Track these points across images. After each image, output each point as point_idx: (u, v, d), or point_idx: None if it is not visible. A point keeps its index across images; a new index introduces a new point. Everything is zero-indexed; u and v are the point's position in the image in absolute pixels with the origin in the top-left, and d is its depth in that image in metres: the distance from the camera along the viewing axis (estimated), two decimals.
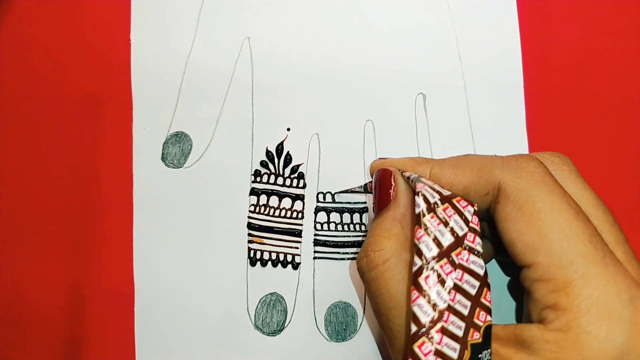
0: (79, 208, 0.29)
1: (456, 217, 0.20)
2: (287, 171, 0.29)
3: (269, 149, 0.29)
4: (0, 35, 0.30)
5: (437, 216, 0.20)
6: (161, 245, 0.29)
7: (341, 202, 0.29)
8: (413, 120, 0.30)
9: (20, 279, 0.29)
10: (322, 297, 0.28)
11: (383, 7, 0.30)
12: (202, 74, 0.30)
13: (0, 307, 0.29)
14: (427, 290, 0.18)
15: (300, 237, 0.29)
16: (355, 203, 0.29)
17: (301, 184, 0.29)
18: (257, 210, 0.29)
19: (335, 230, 0.29)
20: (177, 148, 0.29)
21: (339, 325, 0.28)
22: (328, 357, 0.28)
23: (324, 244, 0.29)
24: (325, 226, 0.29)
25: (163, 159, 0.29)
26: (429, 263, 0.19)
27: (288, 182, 0.29)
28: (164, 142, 0.29)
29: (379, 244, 0.21)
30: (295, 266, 0.29)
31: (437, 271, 0.19)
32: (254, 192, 0.29)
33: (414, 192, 0.21)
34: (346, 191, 0.28)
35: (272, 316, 0.28)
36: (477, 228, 0.20)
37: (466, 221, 0.20)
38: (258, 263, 0.29)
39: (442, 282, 0.19)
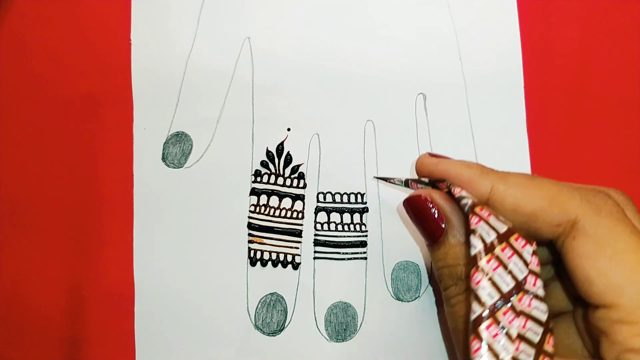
0: (79, 208, 0.29)
1: (515, 258, 0.19)
2: (288, 171, 0.29)
3: (269, 149, 0.29)
4: (0, 35, 0.30)
5: (496, 257, 0.19)
6: (161, 245, 0.29)
7: (342, 202, 0.29)
8: (413, 120, 0.30)
9: (20, 279, 0.29)
10: (322, 297, 0.28)
11: (383, 7, 0.30)
12: (202, 74, 0.30)
13: (0, 307, 0.29)
14: (490, 340, 0.18)
15: (301, 237, 0.29)
16: (355, 203, 0.29)
17: (301, 184, 0.29)
18: (257, 210, 0.29)
19: (335, 230, 0.29)
20: (177, 148, 0.29)
21: (339, 325, 0.28)
22: (328, 357, 0.28)
23: (324, 244, 0.29)
24: (325, 226, 0.29)
25: (163, 159, 0.29)
26: (490, 311, 0.18)
27: (288, 182, 0.29)
28: (165, 142, 0.29)
29: (463, 272, 0.21)
30: (296, 266, 0.29)
31: (498, 320, 0.18)
32: (254, 192, 0.29)
33: (464, 213, 0.21)
34: (386, 179, 0.27)
35: (272, 316, 0.28)
36: (538, 270, 0.19)
37: (525, 263, 0.19)
38: (258, 263, 0.29)
39: (505, 332, 0.18)
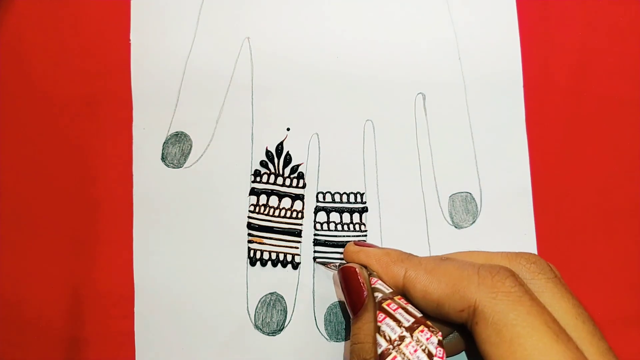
0: (79, 208, 0.29)
1: (420, 353, 0.20)
2: (287, 171, 0.29)
3: (268, 148, 0.29)
4: (0, 35, 0.30)
5: (401, 353, 0.19)
6: (161, 245, 0.29)
7: (341, 202, 0.29)
8: (413, 120, 0.30)
9: (20, 279, 0.29)
10: (322, 296, 0.28)
11: (383, 7, 0.30)
12: (201, 74, 0.30)
13: (0, 307, 0.29)
14: None
15: (300, 237, 0.29)
16: (355, 203, 0.29)
17: (301, 184, 0.29)
18: (257, 210, 0.29)
19: (335, 230, 0.29)
20: (177, 148, 0.29)
21: (339, 325, 0.28)
22: (328, 357, 0.28)
23: (324, 243, 0.29)
24: (325, 226, 0.29)
25: (163, 159, 0.29)
26: None
27: (288, 182, 0.29)
28: (164, 142, 0.29)
29: (369, 351, 0.21)
30: (295, 266, 0.29)
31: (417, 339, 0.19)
32: (253, 192, 0.29)
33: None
34: (324, 264, 0.28)
35: (272, 316, 0.28)
36: None
37: (430, 355, 0.20)
38: (258, 263, 0.29)
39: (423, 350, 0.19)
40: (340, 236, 0.29)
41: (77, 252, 0.29)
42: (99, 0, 0.30)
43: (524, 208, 0.29)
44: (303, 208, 0.29)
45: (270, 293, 0.28)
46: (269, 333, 0.28)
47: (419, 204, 0.29)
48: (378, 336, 0.20)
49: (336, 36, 0.30)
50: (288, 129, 0.30)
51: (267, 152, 0.29)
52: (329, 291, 0.28)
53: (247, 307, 0.28)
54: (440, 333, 0.20)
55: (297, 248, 0.29)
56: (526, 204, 0.29)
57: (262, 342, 0.28)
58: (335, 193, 0.29)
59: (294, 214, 0.29)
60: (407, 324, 0.20)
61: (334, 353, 0.28)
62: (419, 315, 0.21)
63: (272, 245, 0.29)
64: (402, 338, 0.20)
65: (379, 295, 0.22)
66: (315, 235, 0.29)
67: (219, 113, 0.30)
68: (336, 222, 0.29)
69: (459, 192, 0.29)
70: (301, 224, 0.29)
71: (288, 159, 0.29)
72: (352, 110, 0.30)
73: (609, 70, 0.30)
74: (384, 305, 0.21)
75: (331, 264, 0.28)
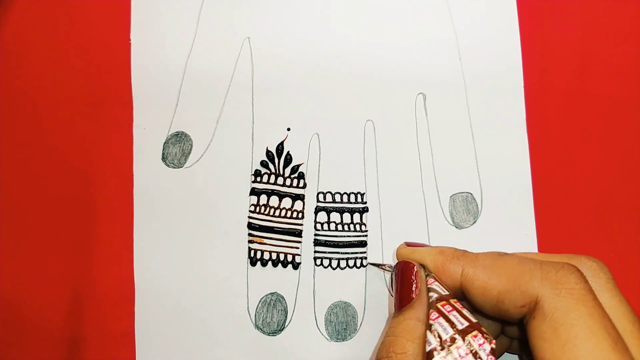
0: (79, 208, 0.29)
1: (469, 357, 0.19)
2: (287, 171, 0.29)
3: (269, 149, 0.29)
4: (0, 35, 0.30)
5: (451, 355, 0.19)
6: (161, 245, 0.29)
7: (341, 202, 0.29)
8: (413, 120, 0.30)
9: (20, 279, 0.29)
10: (322, 297, 0.28)
11: (383, 7, 0.30)
12: (202, 74, 0.30)
13: (0, 307, 0.29)
14: None
15: (301, 237, 0.29)
16: (355, 203, 0.29)
17: (301, 184, 0.29)
18: (257, 210, 0.29)
19: (335, 230, 0.29)
20: (177, 148, 0.29)
21: (339, 325, 0.28)
22: (328, 357, 0.28)
23: (324, 243, 0.29)
24: (325, 226, 0.29)
25: (163, 159, 0.29)
26: None
27: (288, 182, 0.29)
28: (164, 142, 0.29)
29: (402, 346, 0.21)
30: (296, 266, 0.29)
31: (469, 343, 0.19)
32: (254, 192, 0.29)
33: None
34: (377, 265, 0.28)
35: (272, 316, 0.28)
36: None
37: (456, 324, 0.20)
38: (258, 263, 0.29)
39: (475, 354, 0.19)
40: (340, 236, 0.29)
41: (77, 252, 0.29)
42: (99, 0, 0.30)
43: (525, 208, 0.29)
44: (303, 208, 0.29)
45: (270, 293, 0.28)
46: (269, 333, 0.28)
47: (419, 204, 0.29)
48: (429, 334, 0.20)
49: (336, 36, 0.30)
50: (288, 129, 0.30)
51: (268, 152, 0.29)
52: (329, 291, 0.28)
53: (248, 307, 0.28)
54: (494, 341, 0.19)
55: (298, 248, 0.29)
56: (527, 204, 0.29)
57: (263, 342, 0.28)
58: (335, 193, 0.29)
59: (295, 214, 0.29)
60: (460, 327, 0.20)
61: (334, 353, 0.28)
62: (474, 320, 0.20)
63: (272, 245, 0.29)
64: (453, 340, 0.19)
65: (434, 295, 0.21)
66: (315, 235, 0.29)
67: (220, 113, 0.30)
68: (336, 222, 0.29)
69: (459, 192, 0.29)
70: (301, 224, 0.29)
71: (288, 159, 0.29)
72: (353, 110, 0.30)
73: (609, 71, 0.30)
74: (439, 305, 0.21)
75: (385, 265, 0.28)
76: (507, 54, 0.30)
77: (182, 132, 0.29)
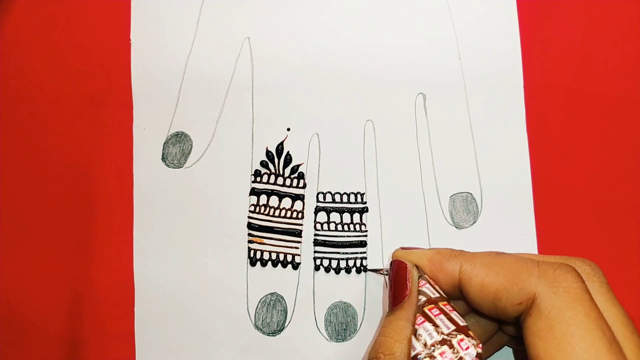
0: (79, 208, 0.29)
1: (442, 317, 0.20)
2: (287, 171, 0.29)
3: (269, 149, 0.29)
4: (0, 35, 0.30)
5: (434, 359, 0.19)
6: (161, 245, 0.29)
7: (341, 202, 0.29)
8: (413, 120, 0.30)
9: (20, 279, 0.29)
10: (322, 297, 0.28)
11: (383, 7, 0.30)
12: (202, 74, 0.30)
13: (0, 307, 0.29)
14: None
15: (300, 237, 0.29)
16: (355, 203, 0.29)
17: (301, 184, 0.29)
18: (257, 210, 0.29)
19: (335, 230, 0.29)
20: (177, 148, 0.29)
21: (339, 325, 0.28)
22: (328, 357, 0.28)
23: (324, 244, 0.29)
24: (325, 226, 0.29)
25: (163, 159, 0.29)
26: None
27: (288, 182, 0.29)
28: (164, 142, 0.29)
29: (390, 347, 0.21)
30: (296, 266, 0.29)
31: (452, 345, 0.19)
32: (254, 192, 0.29)
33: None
34: (375, 270, 0.28)
35: (272, 316, 0.28)
36: None
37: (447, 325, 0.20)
38: (258, 263, 0.29)
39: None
40: (340, 236, 0.29)
41: (77, 253, 0.29)
42: (99, 0, 0.30)
43: (525, 208, 0.29)
44: (303, 208, 0.29)
45: (270, 293, 0.28)
46: (269, 333, 0.28)
47: (419, 204, 0.29)
48: (413, 339, 0.20)
49: (336, 36, 0.30)
50: (288, 129, 0.30)
51: (268, 152, 0.29)
52: (329, 291, 0.28)
53: (247, 307, 0.28)
54: (480, 345, 0.20)
55: (298, 248, 0.29)
56: (527, 204, 0.29)
57: (262, 343, 0.28)
58: (335, 193, 0.29)
59: (294, 214, 0.29)
60: (446, 331, 0.20)
61: (334, 353, 0.28)
62: (462, 323, 0.20)
63: (272, 245, 0.29)
64: (439, 343, 0.19)
65: (422, 298, 0.22)
66: (315, 235, 0.29)
67: (219, 113, 0.30)
68: (336, 222, 0.29)
69: (459, 192, 0.29)
70: (301, 224, 0.29)
71: (288, 159, 0.29)
72: (353, 110, 0.30)
73: (609, 70, 0.30)
74: (426, 309, 0.21)
75: (383, 269, 0.28)
76: (507, 54, 0.30)
77: (182, 132, 0.29)
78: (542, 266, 0.20)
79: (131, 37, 0.30)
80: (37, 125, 0.30)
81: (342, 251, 0.29)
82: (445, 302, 0.21)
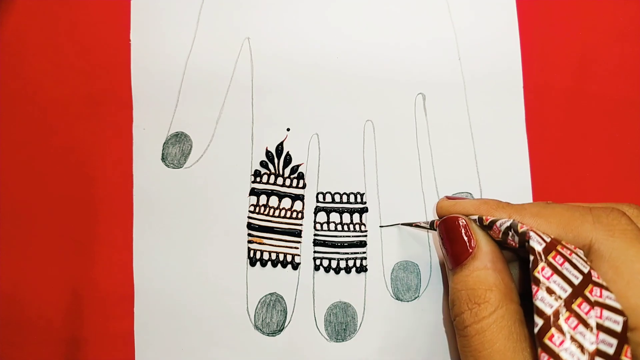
0: (79, 208, 0.29)
1: (567, 265, 0.18)
2: (287, 171, 0.29)
3: (268, 149, 0.29)
4: (0, 35, 0.30)
5: (550, 265, 0.18)
6: (161, 245, 0.29)
7: (341, 202, 0.29)
8: (413, 120, 0.30)
9: (20, 279, 0.29)
10: (322, 297, 0.28)
11: (383, 7, 0.30)
12: (202, 74, 0.30)
13: (0, 307, 0.29)
14: (571, 332, 0.17)
15: (300, 237, 0.29)
16: (355, 203, 0.29)
17: (301, 184, 0.29)
18: (257, 210, 0.29)
19: (335, 230, 0.29)
20: (177, 148, 0.29)
21: (339, 325, 0.28)
22: (328, 357, 0.28)
23: (324, 244, 0.29)
24: (325, 226, 0.29)
25: (163, 159, 0.29)
26: (566, 302, 0.18)
27: (288, 182, 0.29)
28: (164, 142, 0.29)
29: (482, 296, 0.20)
30: (295, 266, 0.29)
31: (576, 311, 0.18)
32: (253, 192, 0.29)
33: (493, 239, 0.21)
34: (410, 224, 0.28)
35: (272, 316, 0.28)
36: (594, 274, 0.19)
37: (578, 269, 0.18)
38: (258, 263, 0.29)
39: (585, 323, 0.18)
40: (340, 236, 0.29)
41: (77, 252, 0.29)
42: (99, 0, 0.30)
43: None
44: (303, 208, 0.29)
45: (270, 293, 0.28)
46: (268, 333, 0.28)
47: (419, 204, 0.29)
48: (532, 242, 0.18)
49: (336, 36, 0.30)
50: (288, 129, 0.30)
51: (267, 153, 0.29)
52: (329, 292, 0.28)
53: (247, 307, 0.28)
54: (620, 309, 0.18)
55: (297, 248, 0.29)
56: None
57: (262, 343, 0.28)
58: (335, 193, 0.29)
59: (294, 214, 0.29)
60: (548, 240, 0.19)
61: (333, 353, 0.28)
62: (585, 270, 0.19)
63: (272, 245, 0.29)
64: (543, 254, 0.18)
65: (538, 245, 0.19)
66: (315, 235, 0.29)
67: (219, 113, 0.30)
68: (336, 222, 0.29)
69: (459, 192, 0.29)
70: (301, 224, 0.29)
71: (288, 159, 0.29)
72: (352, 110, 0.30)
73: (609, 70, 0.30)
74: (550, 258, 0.19)
75: (418, 222, 0.27)
76: (507, 54, 0.30)
77: (182, 132, 0.29)
78: (595, 212, 0.20)
79: (131, 37, 0.30)
80: (37, 125, 0.30)
81: (342, 251, 0.29)
82: (561, 245, 0.20)
